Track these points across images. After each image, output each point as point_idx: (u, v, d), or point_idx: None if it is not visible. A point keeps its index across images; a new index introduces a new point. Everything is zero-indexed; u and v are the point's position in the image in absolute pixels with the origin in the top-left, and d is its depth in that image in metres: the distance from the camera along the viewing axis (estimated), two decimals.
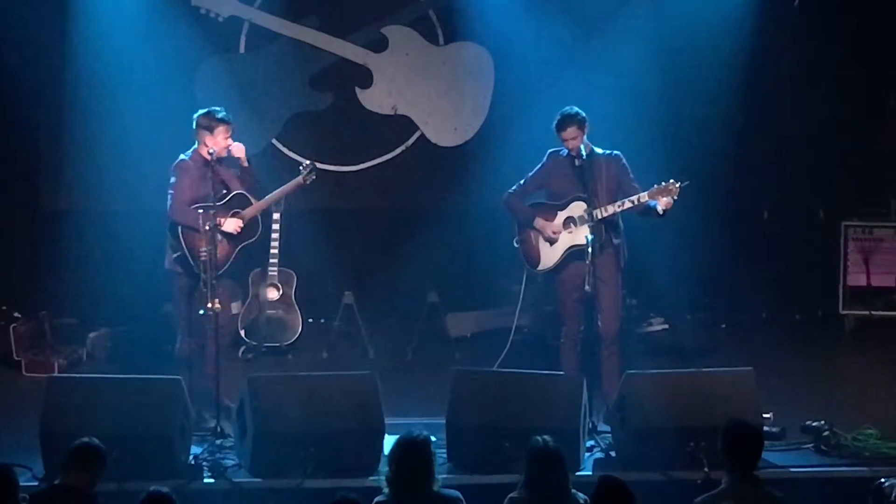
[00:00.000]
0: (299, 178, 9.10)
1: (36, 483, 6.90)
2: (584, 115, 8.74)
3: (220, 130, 8.69)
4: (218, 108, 8.76)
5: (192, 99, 11.10)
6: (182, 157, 8.69)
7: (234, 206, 8.81)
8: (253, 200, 8.86)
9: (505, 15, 11.11)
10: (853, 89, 11.50)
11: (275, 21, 11.41)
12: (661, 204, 8.60)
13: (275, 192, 9.06)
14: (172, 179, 8.69)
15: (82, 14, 10.81)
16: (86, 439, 6.54)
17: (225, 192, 8.76)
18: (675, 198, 8.62)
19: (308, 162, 9.25)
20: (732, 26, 11.11)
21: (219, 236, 8.68)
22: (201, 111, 8.78)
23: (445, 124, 11.67)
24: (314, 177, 9.14)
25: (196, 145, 8.74)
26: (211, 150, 8.63)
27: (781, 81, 11.49)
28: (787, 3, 11.21)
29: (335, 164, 10.97)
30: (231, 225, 8.71)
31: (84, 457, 6.45)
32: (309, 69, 11.53)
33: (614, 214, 8.70)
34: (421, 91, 11.63)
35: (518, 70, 11.29)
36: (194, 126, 8.76)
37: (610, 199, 8.71)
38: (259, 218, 8.95)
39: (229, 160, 8.87)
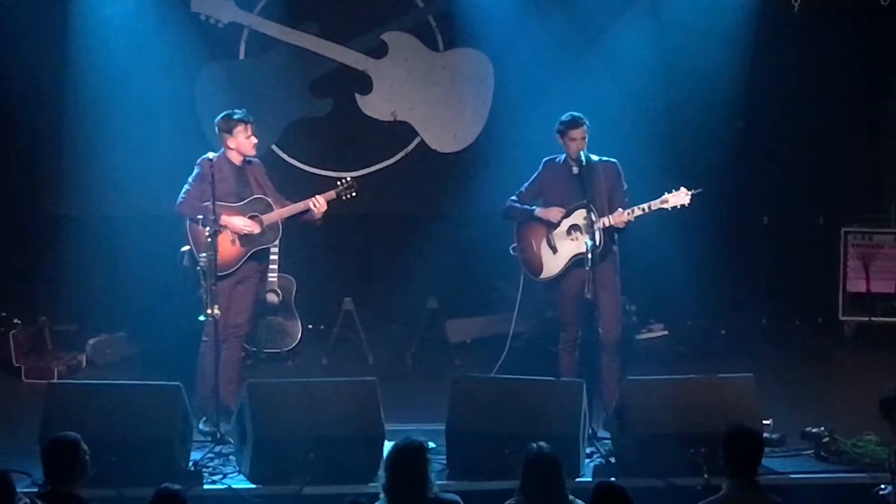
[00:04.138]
0: (332, 192, 9.00)
1: (36, 489, 6.89)
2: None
3: (239, 130, 8.73)
4: (236, 110, 8.80)
5: (191, 105, 11.14)
6: (205, 155, 8.68)
7: (252, 209, 8.81)
8: (275, 206, 8.87)
9: (505, 21, 11.11)
10: (852, 95, 11.52)
11: (275, 27, 11.42)
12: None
13: (300, 203, 8.95)
14: (193, 172, 8.74)
15: (82, 20, 10.81)
16: (56, 437, 6.52)
17: (248, 194, 8.81)
18: (687, 205, 8.63)
19: (349, 178, 9.19)
20: (732, 32, 11.11)
21: (232, 236, 8.70)
22: (220, 115, 8.82)
23: (445, 130, 11.67)
24: (353, 194, 9.07)
25: (223, 150, 8.78)
26: (236, 152, 8.77)
27: (781, 87, 11.50)
28: (787, 9, 11.21)
29: (335, 170, 10.96)
30: (240, 222, 8.70)
31: (60, 456, 6.41)
32: (309, 75, 11.53)
33: (627, 223, 8.67)
34: (420, 97, 11.64)
35: (518, 76, 11.29)
36: (217, 132, 8.80)
37: (608, 206, 8.71)
38: (280, 224, 8.93)
39: (257, 166, 8.92)
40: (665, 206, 8.66)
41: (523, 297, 9.41)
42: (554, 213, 8.83)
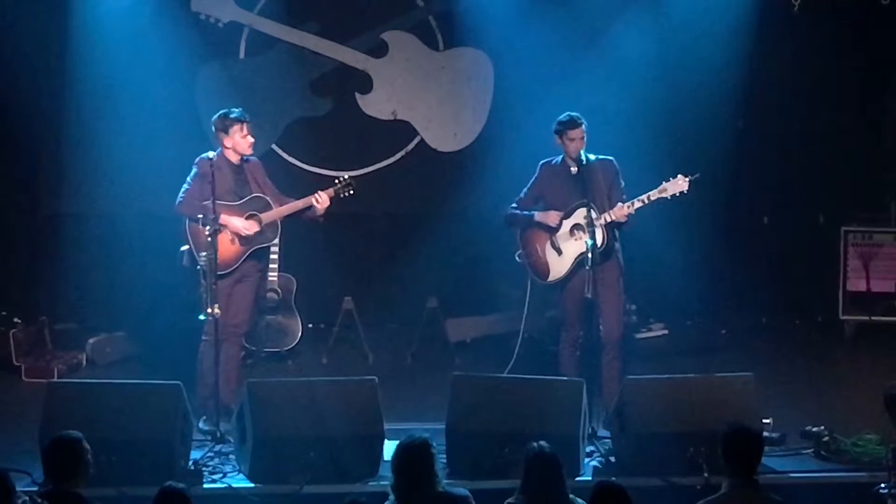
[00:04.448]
0: (330, 190, 8.96)
1: (35, 488, 6.90)
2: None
3: (235, 130, 8.73)
4: (233, 109, 8.79)
5: (191, 104, 11.14)
6: (205, 155, 8.68)
7: (251, 208, 8.81)
8: (274, 204, 8.86)
9: (504, 20, 11.11)
10: (852, 94, 11.52)
11: (275, 26, 11.42)
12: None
13: (300, 201, 8.94)
14: (192, 172, 8.75)
15: (83, 19, 10.81)
16: (58, 435, 6.52)
17: (246, 193, 8.81)
18: (686, 192, 8.62)
19: (346, 176, 9.17)
20: (733, 32, 11.12)
21: (231, 235, 8.70)
22: (216, 114, 8.81)
23: (445, 129, 11.67)
24: (351, 192, 9.05)
25: (221, 149, 8.78)
26: (236, 150, 8.78)
27: (781, 86, 11.50)
28: (787, 8, 11.22)
29: (335, 170, 10.95)
30: (239, 223, 8.70)
31: (62, 455, 6.41)
32: (309, 74, 11.53)
33: (628, 217, 8.66)
34: (421, 96, 11.64)
35: (518, 75, 11.29)
36: (213, 131, 8.80)
37: (608, 204, 8.70)
38: (279, 223, 8.94)
39: (255, 165, 8.92)
40: (664, 195, 8.65)
41: (524, 296, 9.42)
42: (552, 218, 8.83)
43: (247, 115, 8.80)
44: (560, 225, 8.84)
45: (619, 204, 8.67)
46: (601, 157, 8.84)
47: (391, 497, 6.28)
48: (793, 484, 7.72)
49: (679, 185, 8.62)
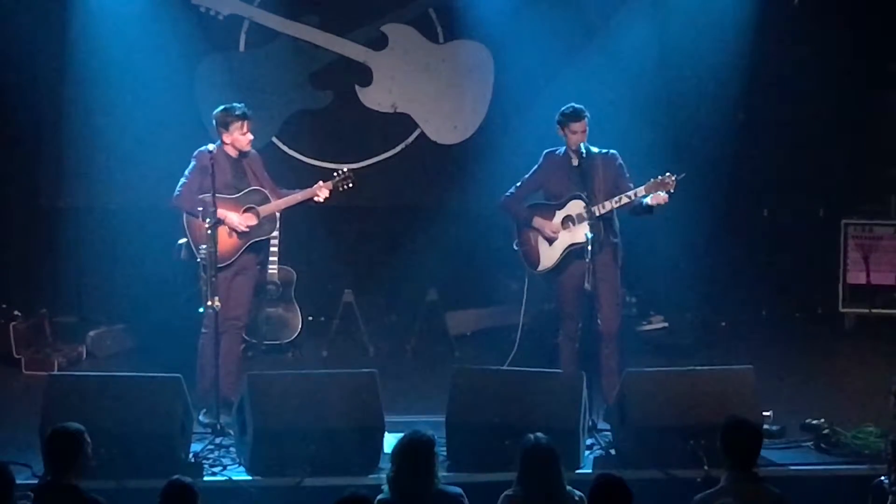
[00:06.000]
0: (329, 183, 8.97)
1: (35, 481, 6.91)
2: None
3: (236, 127, 8.72)
4: (236, 105, 8.77)
5: (191, 97, 11.13)
6: (204, 148, 8.68)
7: (249, 201, 8.81)
8: (272, 197, 8.86)
9: (505, 13, 11.10)
10: (853, 87, 11.51)
11: (275, 19, 11.41)
12: (652, 199, 8.60)
13: (298, 194, 8.95)
14: (190, 165, 8.74)
15: (82, 12, 10.81)
16: (60, 426, 6.50)
17: (245, 186, 8.81)
18: (672, 191, 8.60)
19: (346, 169, 9.17)
20: (733, 24, 11.11)
21: (228, 228, 8.70)
22: (219, 108, 8.80)
23: (445, 122, 11.66)
24: (350, 185, 9.05)
25: (220, 142, 8.78)
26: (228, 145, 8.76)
27: (781, 79, 11.48)
28: (787, 2, 11.21)
29: (335, 162, 10.96)
30: (236, 219, 8.70)
31: (64, 446, 6.40)
32: (309, 67, 11.52)
33: (611, 211, 8.66)
34: (421, 89, 11.63)
35: (518, 68, 11.28)
36: (214, 123, 8.80)
37: (607, 198, 8.69)
38: (277, 216, 8.93)
39: (254, 158, 8.91)
40: (650, 193, 8.61)
41: (524, 289, 9.41)
42: (548, 233, 8.82)
43: (249, 112, 8.78)
44: (553, 216, 8.83)
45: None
46: (603, 150, 8.83)
47: (385, 489, 6.28)
48: (793, 476, 7.73)
49: (665, 183, 8.58)
